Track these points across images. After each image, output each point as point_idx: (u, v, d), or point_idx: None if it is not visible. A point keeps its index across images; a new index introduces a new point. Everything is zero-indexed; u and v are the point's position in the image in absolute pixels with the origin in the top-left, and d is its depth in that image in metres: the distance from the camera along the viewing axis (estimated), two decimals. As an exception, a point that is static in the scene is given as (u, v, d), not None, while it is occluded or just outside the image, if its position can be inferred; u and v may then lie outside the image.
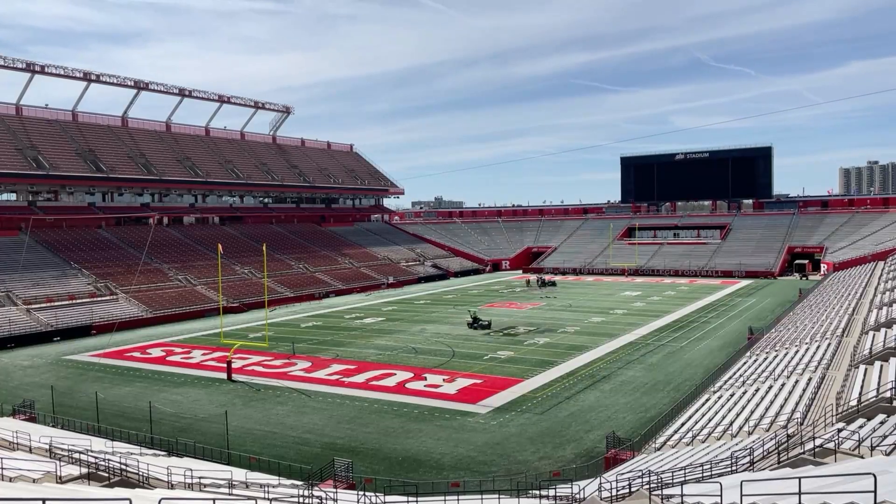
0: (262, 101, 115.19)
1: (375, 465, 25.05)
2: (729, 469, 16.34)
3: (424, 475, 23.91)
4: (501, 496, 16.04)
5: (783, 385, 27.58)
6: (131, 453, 21.87)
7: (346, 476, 22.62)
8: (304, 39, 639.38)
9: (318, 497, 16.13)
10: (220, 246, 48.44)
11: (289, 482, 20.81)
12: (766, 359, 35.49)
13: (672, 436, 25.03)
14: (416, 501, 17.47)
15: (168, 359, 46.32)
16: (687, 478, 15.70)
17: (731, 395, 29.01)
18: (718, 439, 22.44)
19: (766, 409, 24.23)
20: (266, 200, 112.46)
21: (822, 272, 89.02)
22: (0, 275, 64.16)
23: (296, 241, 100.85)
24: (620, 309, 65.50)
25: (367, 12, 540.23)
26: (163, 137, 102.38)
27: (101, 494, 14.12)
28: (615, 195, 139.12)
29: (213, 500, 13.39)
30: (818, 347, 33.56)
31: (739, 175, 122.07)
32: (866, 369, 25.34)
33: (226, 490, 17.61)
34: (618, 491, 14.75)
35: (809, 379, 27.20)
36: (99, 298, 65.07)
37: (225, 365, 40.72)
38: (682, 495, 12.91)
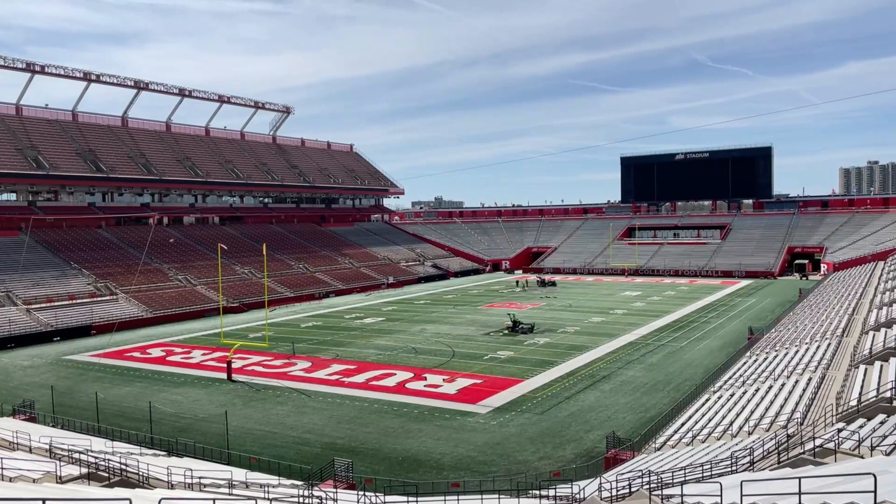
0: (262, 101, 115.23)
1: (375, 465, 25.05)
2: (729, 469, 16.34)
3: (424, 475, 23.91)
4: (501, 496, 16.04)
5: (783, 385, 27.58)
6: (131, 453, 21.87)
7: (346, 476, 22.62)
8: (302, 40, 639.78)
9: (318, 497, 16.13)
10: (220, 246, 48.45)
11: (289, 482, 20.81)
12: (766, 359, 35.49)
13: (672, 436, 25.02)
14: (416, 501, 17.47)
15: (168, 359, 46.32)
16: (687, 478, 15.70)
17: (731, 395, 29.01)
18: (718, 439, 22.44)
19: (766, 409, 24.23)
20: (266, 200, 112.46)
21: (822, 272, 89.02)
22: (0, 275, 64.17)
23: (296, 241, 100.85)
24: (620, 309, 65.50)
25: (366, 13, 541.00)
26: (163, 137, 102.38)
27: (101, 494, 14.12)
28: (615, 195, 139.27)
29: (213, 500, 13.39)
30: (818, 347, 33.56)
31: (739, 175, 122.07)
32: (866, 369, 25.34)
33: (226, 490, 17.61)
34: (618, 491, 14.74)
35: (809, 379, 27.20)
36: (99, 298, 65.08)
37: (225, 365, 40.72)
38: (682, 495, 12.91)
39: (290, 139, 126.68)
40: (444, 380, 37.56)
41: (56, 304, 61.53)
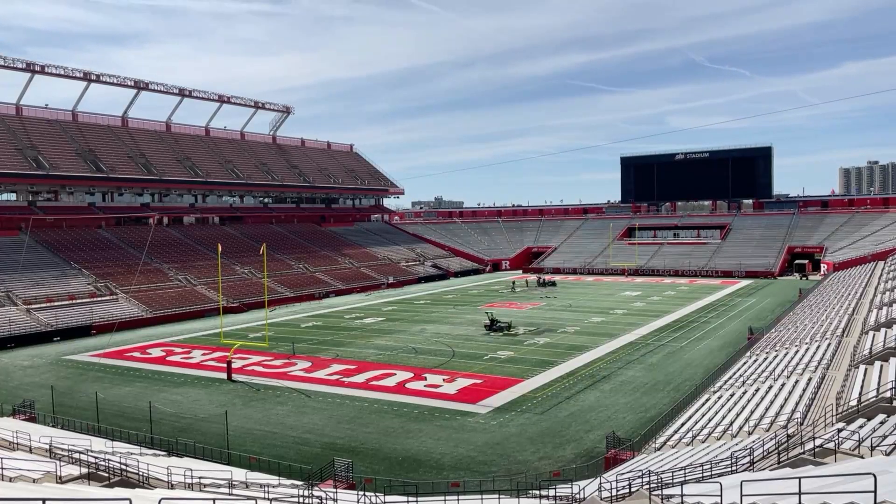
0: (262, 101, 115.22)
1: (375, 465, 25.05)
2: (729, 469, 16.34)
3: (424, 475, 23.91)
4: (501, 496, 16.04)
5: (783, 385, 27.58)
6: (131, 453, 21.87)
7: (346, 476, 22.62)
8: (301, 41, 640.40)
9: (318, 497, 16.13)
10: (220, 246, 48.44)
11: (289, 482, 20.81)
12: (766, 359, 35.49)
13: (672, 436, 25.02)
14: (416, 501, 17.47)
15: (168, 359, 46.32)
16: (687, 478, 15.70)
17: (731, 395, 29.01)
18: (718, 439, 22.44)
19: (766, 409, 24.23)
20: (266, 200, 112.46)
21: (822, 272, 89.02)
22: (0, 275, 64.17)
23: (296, 241, 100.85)
24: (620, 309, 65.50)
25: (364, 14, 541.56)
26: (163, 137, 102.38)
27: (101, 494, 14.12)
28: (615, 195, 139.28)
29: (213, 500, 13.39)
30: (818, 347, 33.55)
31: (739, 175, 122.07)
32: (866, 369, 25.34)
33: (226, 490, 17.61)
34: (618, 491, 14.74)
35: (809, 379, 27.20)
36: (99, 298, 65.08)
37: (225, 365, 40.72)
38: (682, 495, 12.91)
39: (290, 139, 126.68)
40: (444, 380, 37.56)
41: (56, 304, 61.53)
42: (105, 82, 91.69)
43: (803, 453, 15.86)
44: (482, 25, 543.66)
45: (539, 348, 46.47)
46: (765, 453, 17.58)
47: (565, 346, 47.27)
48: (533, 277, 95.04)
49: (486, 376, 38.29)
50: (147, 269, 73.24)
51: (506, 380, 37.41)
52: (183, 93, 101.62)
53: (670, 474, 15.95)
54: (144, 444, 26.38)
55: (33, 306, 59.87)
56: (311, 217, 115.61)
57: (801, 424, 20.86)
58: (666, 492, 13.98)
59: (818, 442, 15.98)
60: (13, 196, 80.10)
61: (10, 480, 15.85)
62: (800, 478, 10.09)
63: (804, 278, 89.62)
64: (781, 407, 23.98)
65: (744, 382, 30.83)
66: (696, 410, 28.45)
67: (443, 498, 17.00)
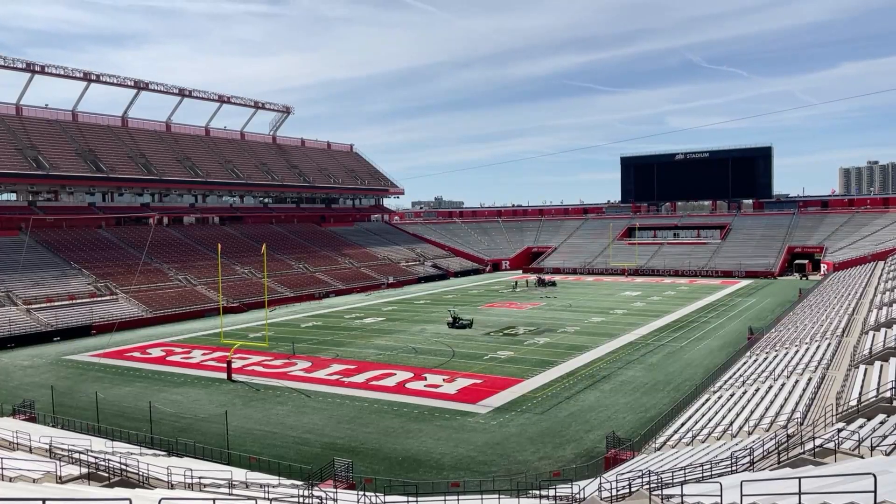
0: (262, 101, 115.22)
1: (375, 465, 25.05)
2: (729, 469, 16.34)
3: (424, 475, 23.91)
4: (501, 496, 16.04)
5: (783, 385, 27.58)
6: (131, 453, 21.87)
7: (346, 476, 22.62)
8: (299, 41, 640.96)
9: (318, 497, 16.13)
10: (220, 246, 48.44)
11: (289, 482, 20.81)
12: (766, 359, 35.49)
13: (672, 436, 25.02)
14: (416, 501, 17.47)
15: (168, 359, 46.32)
16: (687, 478, 15.70)
17: (731, 395, 29.01)
18: (718, 439, 22.44)
19: (766, 409, 24.23)
20: (266, 200, 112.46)
21: (822, 272, 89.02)
22: (0, 275, 64.17)
23: (296, 241, 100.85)
24: (620, 309, 65.50)
25: (362, 15, 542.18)
26: (163, 137, 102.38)
27: (101, 494, 14.12)
28: (615, 195, 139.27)
29: (213, 500, 13.39)
30: (818, 347, 33.56)
31: (739, 175, 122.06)
32: (866, 369, 25.34)
33: (226, 490, 17.61)
34: (618, 491, 14.74)
35: (809, 379, 27.20)
36: (99, 298, 65.07)
37: (225, 365, 40.72)
38: (682, 495, 12.91)
39: (290, 139, 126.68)
40: (444, 380, 37.56)
41: (56, 304, 61.53)
42: (105, 82, 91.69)
43: (803, 453, 15.86)
44: (480, 26, 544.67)
45: (539, 348, 46.47)
46: (765, 453, 17.58)
47: (565, 346, 47.27)
48: (533, 277, 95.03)
49: (486, 376, 38.29)
50: (147, 269, 73.24)
51: (506, 380, 37.41)
52: (183, 93, 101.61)
53: (670, 474, 15.95)
54: (144, 444, 26.38)
55: (33, 306, 59.88)
56: (311, 217, 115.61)
57: (801, 424, 20.86)
58: (666, 492, 13.98)
59: (818, 442, 15.98)
60: (13, 196, 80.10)
61: (10, 480, 15.85)
62: (800, 478, 10.09)
63: (804, 278, 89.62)
64: (781, 407, 23.98)
65: (744, 382, 30.83)
66: (696, 410, 28.45)
67: (443, 498, 17.00)
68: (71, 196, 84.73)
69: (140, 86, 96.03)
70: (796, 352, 34.32)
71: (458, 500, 16.54)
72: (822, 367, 28.62)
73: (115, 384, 39.21)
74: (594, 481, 18.40)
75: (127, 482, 17.68)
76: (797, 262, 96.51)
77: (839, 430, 17.05)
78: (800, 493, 9.44)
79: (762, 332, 46.67)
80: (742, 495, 10.40)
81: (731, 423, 23.87)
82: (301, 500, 15.63)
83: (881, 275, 61.67)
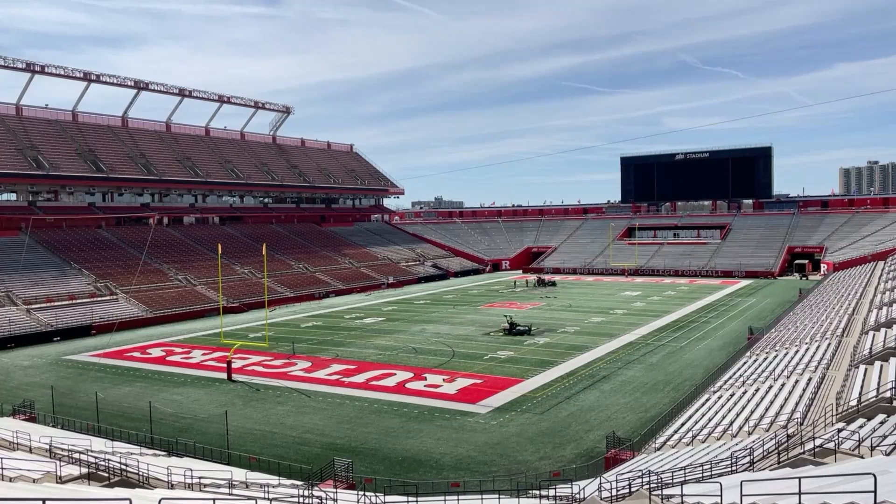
0: (261, 101, 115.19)
1: (375, 465, 25.05)
2: (729, 469, 16.34)
3: (424, 475, 23.91)
4: (501, 496, 16.04)
5: (783, 385, 27.58)
6: (131, 453, 21.86)
7: (346, 476, 22.62)
8: (295, 43, 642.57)
9: (318, 497, 16.13)
10: (220, 246, 48.43)
11: (289, 482, 20.81)
12: (766, 359, 35.49)
13: (672, 436, 25.02)
14: (416, 501, 17.47)
15: (168, 359, 46.31)
16: (687, 478, 15.70)
17: (731, 395, 29.01)
18: (718, 439, 22.43)
19: (766, 409, 24.23)
20: (266, 200, 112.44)
21: (822, 272, 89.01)
22: (0, 275, 64.16)
23: (296, 241, 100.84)
24: (620, 309, 65.49)
25: (357, 17, 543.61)
26: (163, 137, 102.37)
27: (101, 494, 14.12)
28: (615, 195, 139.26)
29: (213, 500, 13.39)
30: (818, 347, 33.55)
31: (739, 175, 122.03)
32: (866, 369, 25.34)
33: (226, 490, 17.60)
34: (618, 491, 14.74)
35: (809, 379, 27.19)
36: (99, 298, 65.07)
37: (225, 365, 40.71)
38: (682, 495, 12.91)
39: (289, 139, 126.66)
40: (444, 380, 37.55)
41: (56, 304, 61.52)
42: (105, 82, 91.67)
43: (803, 453, 15.86)
44: (473, 28, 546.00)
45: (539, 348, 46.46)
46: (765, 453, 17.58)
47: (565, 346, 47.27)
48: (533, 277, 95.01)
49: (486, 376, 38.29)
50: (147, 269, 73.23)
51: (506, 380, 37.41)
52: (183, 93, 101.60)
53: (670, 474, 15.95)
54: (144, 444, 26.38)
55: (33, 306, 59.87)
56: (311, 217, 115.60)
57: (801, 424, 20.86)
58: (666, 492, 13.98)
59: (818, 442, 15.98)
60: (13, 196, 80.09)
61: (10, 480, 15.85)
62: (800, 478, 10.09)
63: (804, 278, 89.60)
64: (781, 407, 23.98)
65: (744, 382, 30.83)
66: (696, 410, 28.44)
67: (443, 498, 16.99)
68: (71, 196, 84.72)
69: (140, 86, 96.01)
70: (796, 352, 34.32)
71: (458, 500, 16.53)
72: (822, 367, 28.62)
73: (115, 384, 39.21)
74: (594, 481, 18.39)
75: (127, 482, 17.68)
76: (797, 262, 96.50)
77: (839, 430, 17.05)
78: (800, 494, 9.44)
79: (762, 332, 46.66)
80: (742, 495, 10.40)
81: (731, 423, 23.87)
82: (301, 500, 15.63)
83: (881, 275, 61.66)
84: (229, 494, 16.56)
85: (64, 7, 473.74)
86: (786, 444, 17.21)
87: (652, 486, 14.62)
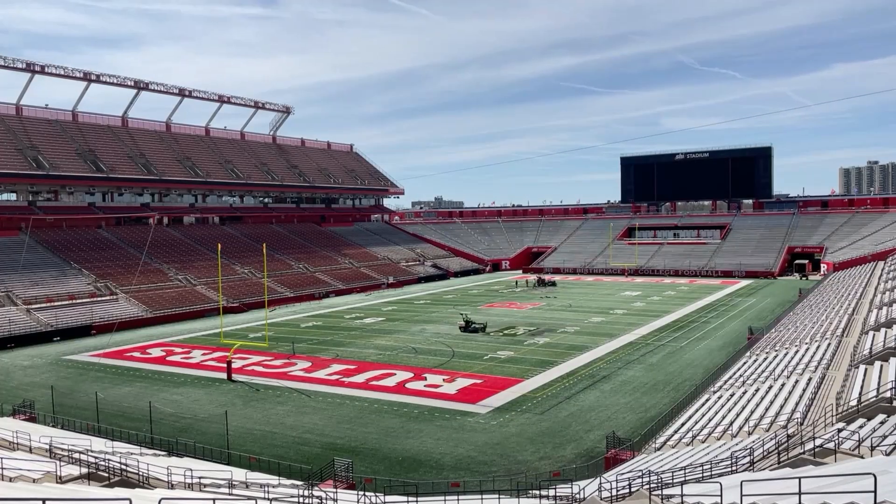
0: (261, 101, 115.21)
1: (375, 465, 25.05)
2: (729, 469, 16.34)
3: (424, 475, 23.91)
4: (501, 496, 16.04)
5: (783, 385, 27.58)
6: (131, 453, 21.86)
7: (346, 476, 22.62)
8: (294, 43, 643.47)
9: (318, 497, 16.13)
10: (219, 246, 48.43)
11: (289, 482, 20.81)
12: (766, 359, 35.49)
13: (672, 436, 25.02)
14: (416, 501, 17.47)
15: (168, 359, 46.31)
16: (687, 478, 15.70)
17: (731, 395, 29.01)
18: (718, 439, 22.43)
19: (766, 409, 24.23)
20: (266, 200, 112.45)
21: (822, 272, 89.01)
22: (0, 275, 64.16)
23: (296, 241, 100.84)
24: (620, 309, 65.49)
25: (356, 18, 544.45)
26: (163, 137, 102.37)
27: (101, 494, 14.12)
28: (614, 195, 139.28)
29: (213, 500, 13.39)
30: (818, 347, 33.55)
31: (739, 175, 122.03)
32: (866, 369, 25.34)
33: (226, 490, 17.61)
34: (618, 491, 14.74)
35: (809, 379, 27.19)
36: (99, 298, 65.07)
37: (225, 365, 40.71)
38: (682, 495, 12.91)
39: (290, 139, 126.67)
40: (444, 380, 37.55)
41: (56, 304, 61.52)
42: (105, 82, 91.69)
43: (803, 453, 15.86)
44: (472, 28, 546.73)
45: (539, 348, 46.46)
46: (765, 453, 17.58)
47: (565, 346, 47.26)
48: (533, 277, 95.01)
49: (486, 376, 38.29)
50: (147, 269, 73.23)
51: (506, 380, 37.41)
52: (183, 93, 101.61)
53: (670, 474, 15.95)
54: (144, 444, 26.38)
55: (33, 306, 59.87)
56: (311, 217, 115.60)
57: (801, 424, 20.86)
58: (666, 492, 13.98)
59: (818, 442, 15.98)
60: (13, 196, 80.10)
61: (10, 480, 15.85)
62: (800, 478, 10.09)
63: (804, 278, 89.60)
64: (781, 407, 23.98)
65: (744, 382, 30.83)
66: (696, 410, 28.44)
67: (443, 498, 16.99)
68: (71, 196, 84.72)
69: (140, 86, 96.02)
70: (796, 352, 34.31)
71: (458, 500, 16.53)
72: (822, 368, 28.62)
73: (115, 384, 39.21)
74: (594, 481, 18.39)
75: (127, 482, 17.68)
76: (797, 262, 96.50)
77: (839, 430, 17.05)
78: (800, 494, 9.44)
79: (762, 332, 46.67)
80: (742, 495, 10.40)
81: (731, 423, 23.87)
82: (301, 500, 15.63)
83: (881, 275, 61.66)
84: (229, 494, 16.56)
85: (63, 8, 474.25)
86: (786, 444, 17.21)
87: (652, 486, 14.62)
